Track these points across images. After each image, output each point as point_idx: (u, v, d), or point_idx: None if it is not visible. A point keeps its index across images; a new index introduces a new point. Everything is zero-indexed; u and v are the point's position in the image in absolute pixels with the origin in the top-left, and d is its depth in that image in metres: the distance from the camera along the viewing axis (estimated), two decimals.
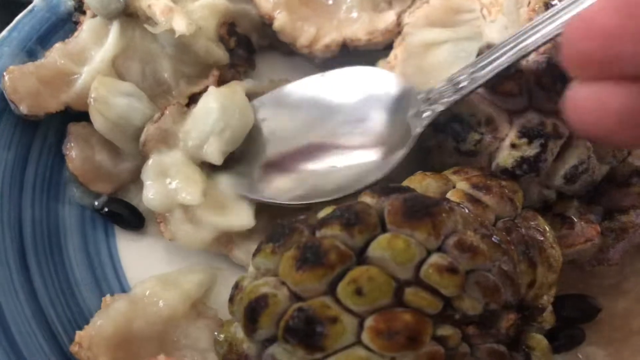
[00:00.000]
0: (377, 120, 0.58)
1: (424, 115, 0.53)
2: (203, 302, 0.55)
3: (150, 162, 0.58)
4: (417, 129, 0.53)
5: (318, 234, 0.43)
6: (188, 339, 0.52)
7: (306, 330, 0.39)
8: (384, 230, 0.42)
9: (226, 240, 0.59)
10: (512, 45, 0.49)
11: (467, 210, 0.44)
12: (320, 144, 0.59)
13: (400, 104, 0.57)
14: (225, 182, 0.58)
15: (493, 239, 0.42)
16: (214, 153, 0.57)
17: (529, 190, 0.55)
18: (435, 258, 0.40)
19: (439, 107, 0.52)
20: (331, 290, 0.40)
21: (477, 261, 0.41)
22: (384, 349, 0.38)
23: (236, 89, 0.61)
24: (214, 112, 0.57)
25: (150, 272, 0.56)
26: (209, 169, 0.59)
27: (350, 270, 0.40)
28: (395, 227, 0.41)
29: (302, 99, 0.62)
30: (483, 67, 0.50)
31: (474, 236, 0.42)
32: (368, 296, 0.39)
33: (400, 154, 0.54)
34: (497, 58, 0.50)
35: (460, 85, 0.51)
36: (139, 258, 0.60)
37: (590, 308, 0.55)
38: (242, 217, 0.57)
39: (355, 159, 0.57)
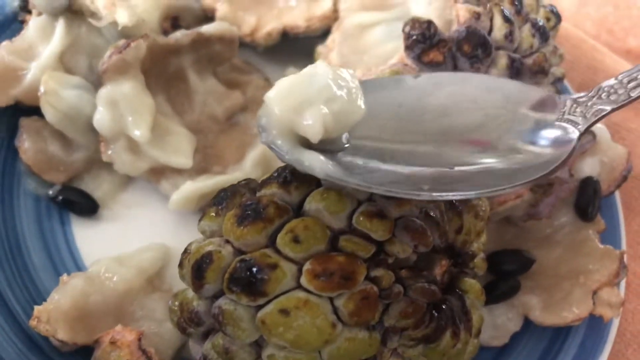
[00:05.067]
0: (504, 124, 0.50)
1: (590, 113, 0.48)
2: (158, 277, 0.57)
3: (104, 89, 0.60)
4: (577, 131, 0.47)
5: (258, 194, 0.46)
6: (144, 310, 0.54)
7: (248, 278, 0.41)
8: (319, 186, 0.45)
9: (158, 171, 0.62)
10: None
11: None
12: (428, 137, 0.50)
13: (535, 109, 0.51)
14: (310, 161, 0.45)
15: None
16: (315, 125, 0.44)
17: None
18: (365, 206, 0.43)
19: (607, 107, 0.47)
20: (271, 242, 0.43)
21: (404, 208, 0.44)
22: (321, 290, 0.40)
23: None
24: (325, 76, 0.46)
25: (105, 255, 0.58)
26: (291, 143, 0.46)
27: (288, 222, 0.43)
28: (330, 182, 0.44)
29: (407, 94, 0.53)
30: None
31: None
32: (304, 243, 0.41)
33: (553, 160, 0.46)
34: None
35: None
36: (94, 243, 0.61)
37: (525, 261, 0.59)
38: (182, 156, 0.61)
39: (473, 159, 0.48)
